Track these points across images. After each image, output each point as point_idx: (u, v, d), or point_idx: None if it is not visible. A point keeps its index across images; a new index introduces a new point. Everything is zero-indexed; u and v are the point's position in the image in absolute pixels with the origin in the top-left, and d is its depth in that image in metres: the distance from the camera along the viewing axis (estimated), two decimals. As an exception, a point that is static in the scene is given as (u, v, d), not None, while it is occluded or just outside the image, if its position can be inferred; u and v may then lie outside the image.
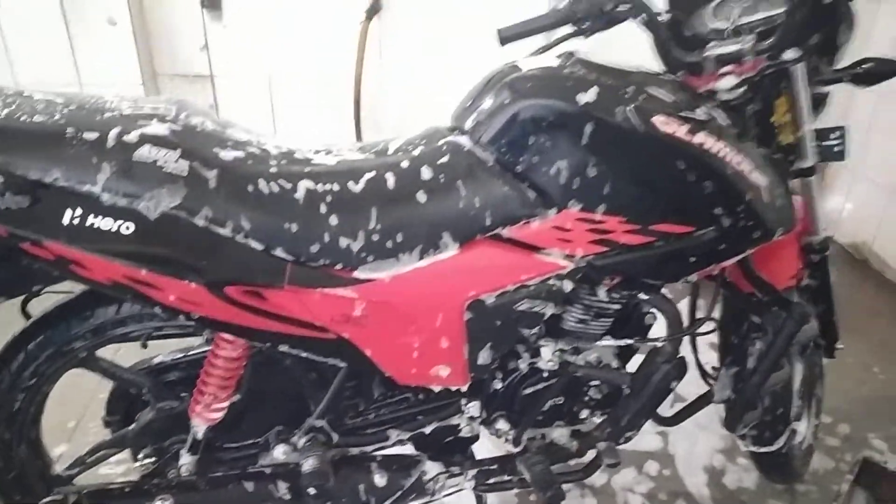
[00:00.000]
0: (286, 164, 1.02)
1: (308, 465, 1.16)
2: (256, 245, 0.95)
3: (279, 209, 0.96)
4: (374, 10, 2.78)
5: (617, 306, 1.20)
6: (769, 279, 1.33)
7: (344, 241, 0.99)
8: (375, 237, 1.00)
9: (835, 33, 1.18)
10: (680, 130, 1.05)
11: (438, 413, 1.28)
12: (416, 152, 1.10)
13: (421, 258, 1.03)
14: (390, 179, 1.04)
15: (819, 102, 1.25)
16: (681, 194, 1.08)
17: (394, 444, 1.30)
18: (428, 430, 1.29)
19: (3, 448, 1.17)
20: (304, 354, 1.07)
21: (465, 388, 1.17)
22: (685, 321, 1.28)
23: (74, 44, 2.76)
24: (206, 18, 2.86)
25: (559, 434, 1.33)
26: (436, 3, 2.77)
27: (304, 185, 0.99)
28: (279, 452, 1.21)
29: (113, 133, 0.89)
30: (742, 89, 1.14)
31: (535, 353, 1.20)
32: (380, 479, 1.24)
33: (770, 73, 1.15)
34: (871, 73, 1.15)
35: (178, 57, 2.95)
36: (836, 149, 1.26)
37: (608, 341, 1.21)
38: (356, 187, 1.01)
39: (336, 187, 1.01)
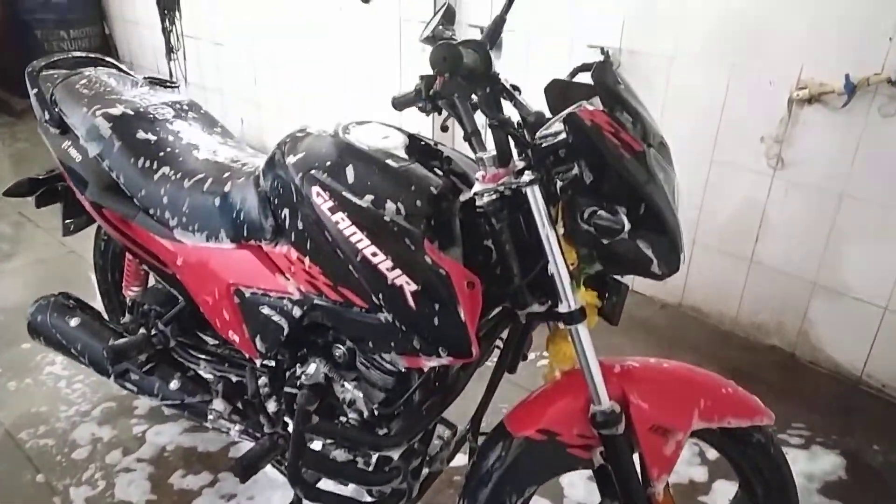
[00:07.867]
0: (174, 151, 1.49)
1: (126, 342, 1.58)
2: (125, 189, 1.49)
3: (142, 176, 1.46)
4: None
5: (389, 366, 1.22)
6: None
7: (167, 215, 1.43)
8: (184, 219, 1.41)
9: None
10: (325, 204, 1.11)
11: (237, 369, 1.54)
12: (245, 166, 1.42)
13: (207, 241, 1.37)
14: (207, 183, 1.39)
15: (590, 244, 1.05)
16: (343, 266, 1.12)
17: (207, 372, 1.59)
18: (233, 378, 1.54)
19: None
20: (158, 280, 1.58)
21: (257, 362, 1.37)
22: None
23: None
24: None
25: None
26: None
27: (163, 170, 1.46)
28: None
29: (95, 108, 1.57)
30: (492, 198, 1.03)
31: (308, 364, 1.32)
32: (174, 384, 1.60)
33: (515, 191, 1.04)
34: (598, 227, 1.01)
35: None
36: (613, 305, 1.13)
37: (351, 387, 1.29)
38: (186, 183, 1.42)
39: (177, 177, 1.44)
